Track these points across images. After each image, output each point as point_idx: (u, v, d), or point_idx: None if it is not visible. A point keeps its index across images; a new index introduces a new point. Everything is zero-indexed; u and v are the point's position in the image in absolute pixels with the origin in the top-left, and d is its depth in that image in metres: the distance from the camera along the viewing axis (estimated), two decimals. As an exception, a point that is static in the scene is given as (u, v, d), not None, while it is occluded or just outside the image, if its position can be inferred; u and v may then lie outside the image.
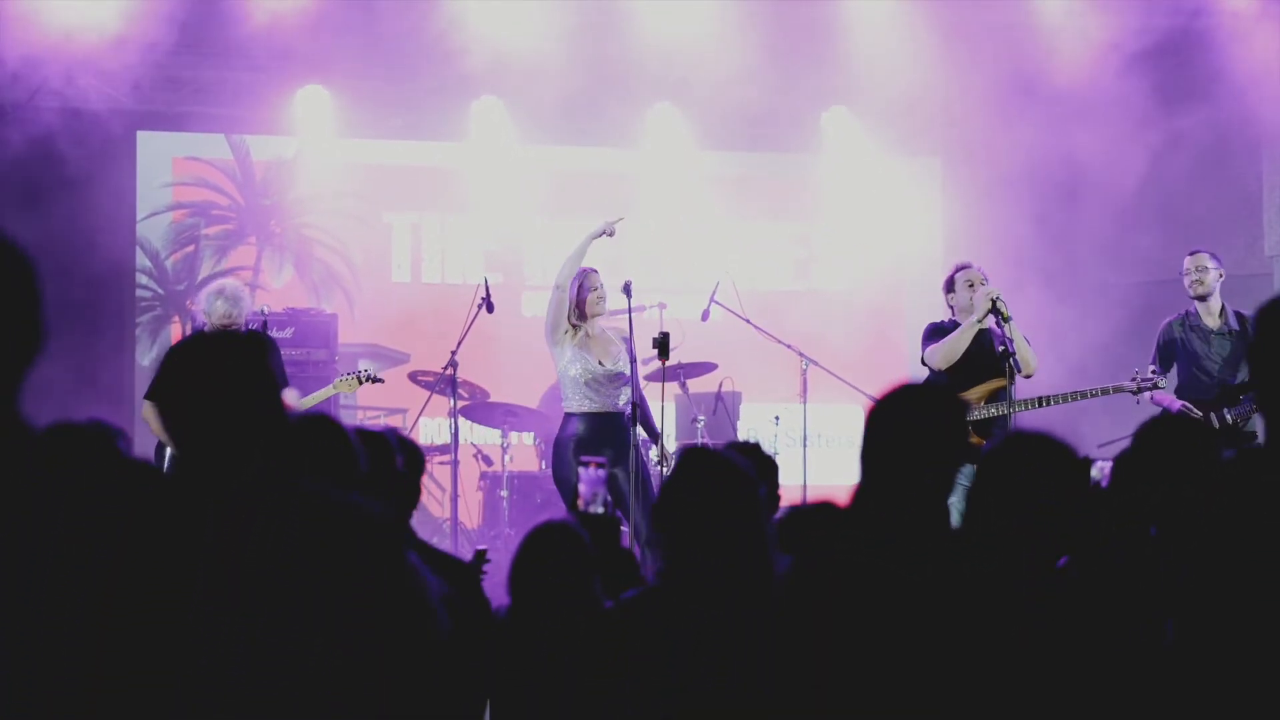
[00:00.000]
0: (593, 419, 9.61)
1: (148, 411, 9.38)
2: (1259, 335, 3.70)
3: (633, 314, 9.76)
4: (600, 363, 9.63)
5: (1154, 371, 9.81)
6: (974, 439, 9.37)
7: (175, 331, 13.40)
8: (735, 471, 4.29)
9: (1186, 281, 10.03)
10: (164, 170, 13.67)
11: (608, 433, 9.58)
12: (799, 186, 14.46)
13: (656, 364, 9.61)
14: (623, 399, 9.61)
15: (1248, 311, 9.87)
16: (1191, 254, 10.13)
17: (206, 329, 9.62)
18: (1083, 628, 3.56)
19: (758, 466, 4.98)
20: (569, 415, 9.71)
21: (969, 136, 13.73)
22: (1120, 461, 3.95)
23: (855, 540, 3.61)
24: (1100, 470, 4.24)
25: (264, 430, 3.22)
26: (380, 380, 10.64)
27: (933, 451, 3.63)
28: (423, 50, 12.75)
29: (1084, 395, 9.73)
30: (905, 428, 3.67)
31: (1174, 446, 3.96)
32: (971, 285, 9.65)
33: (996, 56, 13.16)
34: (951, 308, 9.80)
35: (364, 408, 13.17)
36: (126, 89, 13.27)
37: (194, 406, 3.20)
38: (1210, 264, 10.03)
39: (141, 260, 13.52)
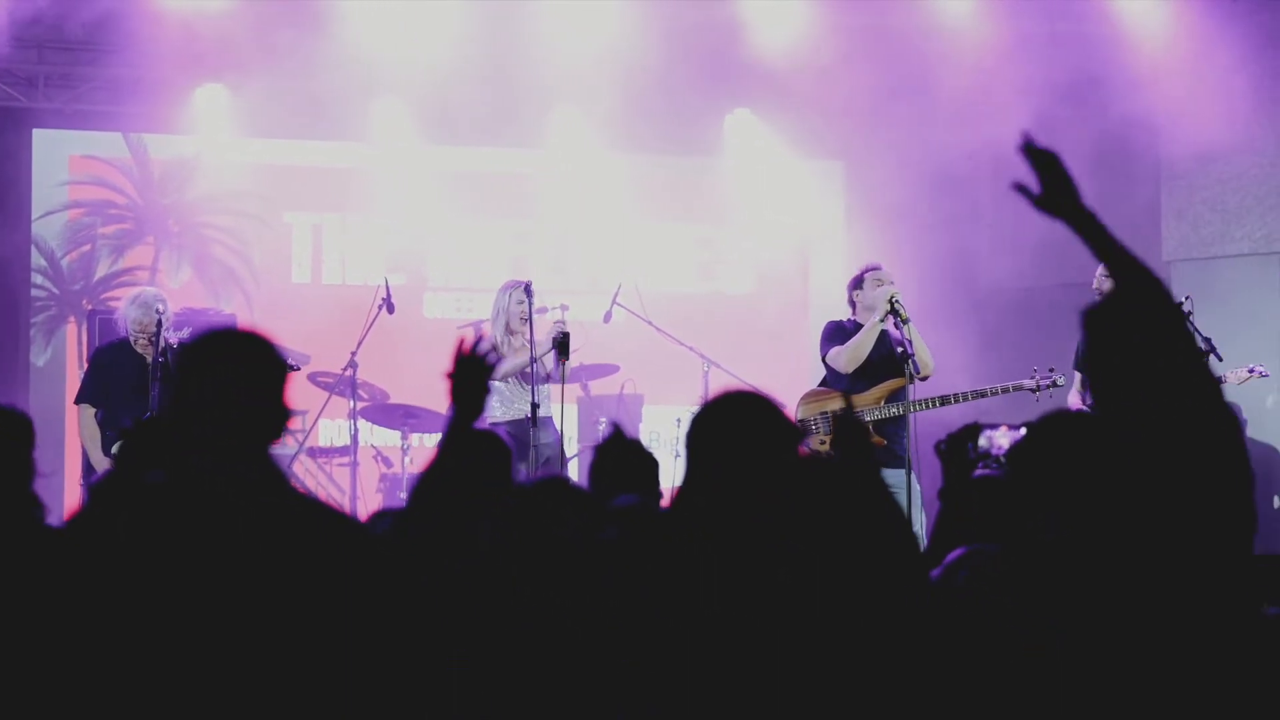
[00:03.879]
0: (518, 424, 10.14)
1: (85, 417, 10.00)
2: (1088, 339, 3.76)
3: (534, 315, 9.90)
4: (516, 374, 10.20)
5: (1051, 370, 9.83)
6: (875, 439, 9.41)
7: (71, 332, 13.22)
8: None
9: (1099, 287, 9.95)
10: (60, 169, 13.49)
11: (522, 437, 10.01)
12: (703, 189, 14.45)
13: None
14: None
15: None
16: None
17: (129, 337, 10.12)
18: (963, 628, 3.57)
19: (637, 465, 5.04)
20: (494, 425, 10.12)
21: (872, 140, 13.78)
22: (1014, 455, 3.96)
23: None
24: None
25: (266, 431, 3.18)
26: (297, 367, 10.58)
27: (750, 456, 3.64)
28: (323, 50, 12.64)
29: (984, 394, 9.77)
30: (724, 435, 3.68)
31: (1068, 441, 3.96)
32: (880, 285, 9.69)
33: (899, 60, 13.22)
34: (853, 305, 9.83)
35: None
36: (22, 86, 13.12)
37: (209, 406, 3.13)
38: (1103, 272, 10.01)
39: (37, 259, 13.33)
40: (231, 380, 3.16)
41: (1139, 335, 3.78)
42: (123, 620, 3.01)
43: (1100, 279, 9.84)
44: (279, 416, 3.22)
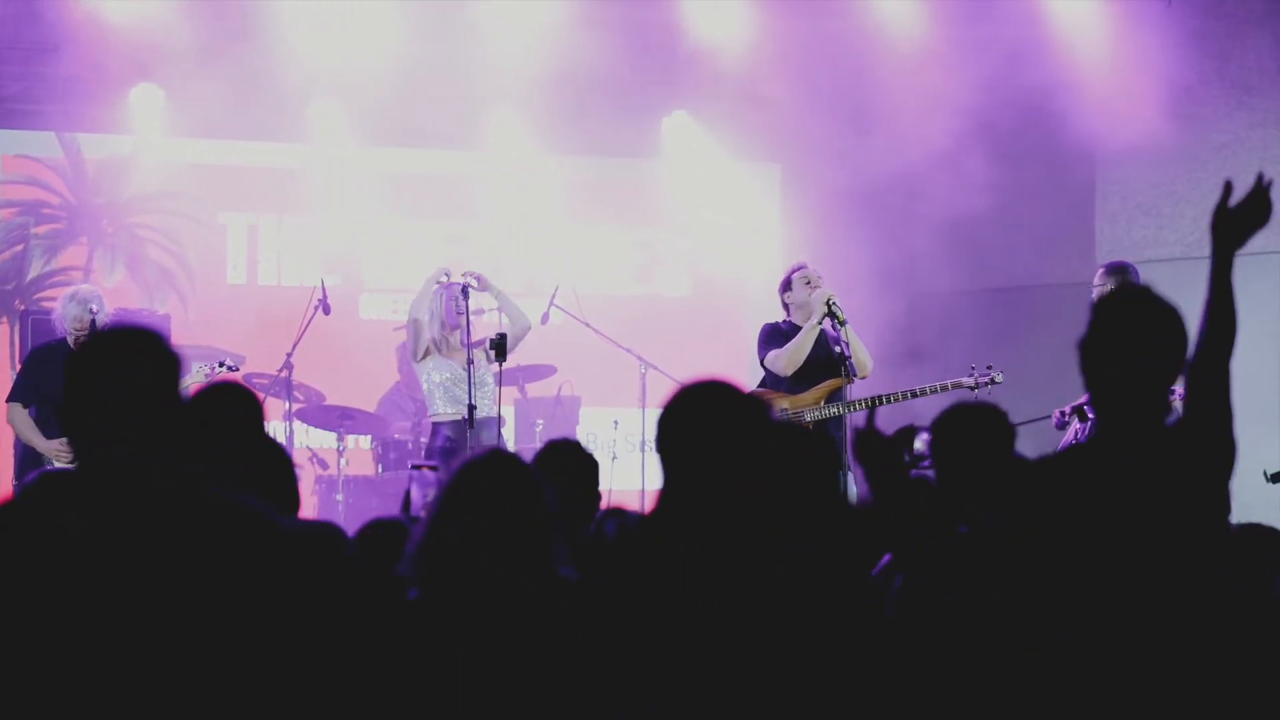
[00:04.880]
0: (459, 425, 10.07)
1: (15, 414, 9.99)
2: (1089, 329, 3.78)
3: (470, 317, 9.93)
4: (463, 368, 10.06)
5: (989, 369, 9.84)
6: (818, 439, 9.40)
7: (3, 332, 13.10)
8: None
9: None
10: (-8, 168, 13.39)
11: (460, 438, 10.01)
12: (640, 191, 14.44)
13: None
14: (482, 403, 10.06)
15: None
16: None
17: (68, 336, 10.00)
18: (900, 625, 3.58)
19: (577, 466, 4.98)
20: (436, 425, 10.29)
21: (810, 143, 13.80)
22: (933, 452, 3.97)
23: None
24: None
25: (167, 429, 3.15)
26: (235, 368, 10.55)
27: (730, 447, 3.61)
28: (260, 50, 12.58)
29: (922, 393, 9.78)
30: (699, 425, 3.65)
31: (971, 436, 3.98)
32: (809, 283, 9.70)
33: (836, 64, 13.25)
34: (787, 306, 9.84)
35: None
36: (-47, 85, 13.03)
37: (105, 405, 3.10)
38: (1097, 280, 9.54)
39: (-33, 259, 13.23)
40: (128, 378, 3.14)
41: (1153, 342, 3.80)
42: (29, 616, 2.99)
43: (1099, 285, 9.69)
44: (176, 412, 3.20)
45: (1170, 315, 3.87)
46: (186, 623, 3.00)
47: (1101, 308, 3.92)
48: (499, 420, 10.50)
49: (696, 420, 3.64)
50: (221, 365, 10.41)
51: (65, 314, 10.10)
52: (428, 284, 10.46)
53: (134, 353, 3.16)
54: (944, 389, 9.80)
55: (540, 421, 12.13)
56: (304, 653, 3.21)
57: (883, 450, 4.13)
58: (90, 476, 3.09)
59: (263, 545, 3.13)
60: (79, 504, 3.04)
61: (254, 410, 4.23)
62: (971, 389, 9.75)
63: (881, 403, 9.66)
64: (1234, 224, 3.89)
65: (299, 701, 3.19)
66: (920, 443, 4.28)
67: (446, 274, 10.46)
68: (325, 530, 4.00)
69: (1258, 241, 3.83)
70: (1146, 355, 3.81)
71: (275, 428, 12.86)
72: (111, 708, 2.95)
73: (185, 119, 13.16)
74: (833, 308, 9.39)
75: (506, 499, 3.92)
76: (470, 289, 10.28)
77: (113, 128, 13.19)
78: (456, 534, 3.88)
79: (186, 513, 3.08)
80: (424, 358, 10.36)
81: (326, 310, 10.97)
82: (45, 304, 12.15)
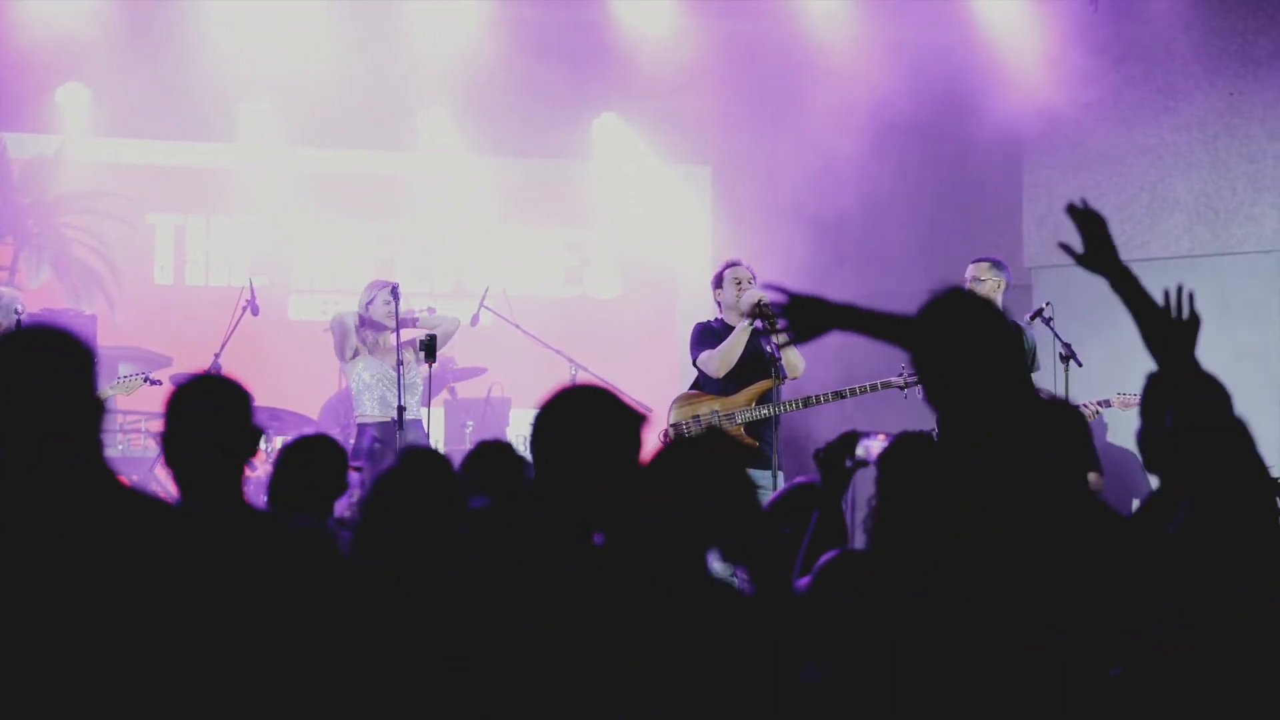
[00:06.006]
0: (386, 427, 10.11)
1: None
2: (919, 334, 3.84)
3: (400, 318, 9.93)
4: (392, 369, 10.11)
5: None
6: (747, 441, 9.42)
7: (-74, 333, 12.97)
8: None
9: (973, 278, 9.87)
10: (-84, 167, 13.25)
11: (388, 439, 10.04)
12: (571, 192, 14.44)
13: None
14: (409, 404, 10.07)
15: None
16: (973, 261, 10.06)
17: None
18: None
19: (509, 466, 5.00)
20: (363, 426, 10.29)
21: (740, 146, 13.84)
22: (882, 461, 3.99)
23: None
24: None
25: (89, 425, 3.13)
26: (158, 382, 10.49)
27: (597, 452, 3.68)
28: (189, 50, 12.52)
29: (852, 393, 9.80)
30: (569, 432, 3.73)
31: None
32: (739, 283, 9.69)
33: (767, 66, 13.29)
34: (719, 304, 9.84)
35: (124, 412, 12.87)
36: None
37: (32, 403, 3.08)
38: (986, 274, 9.84)
39: (-110, 259, 13.10)
40: (67, 377, 3.13)
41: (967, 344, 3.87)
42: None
43: (969, 281, 9.83)
44: (96, 410, 3.19)
45: (989, 314, 3.97)
46: (168, 624, 2.99)
47: (923, 319, 4.02)
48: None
49: (565, 426, 3.73)
50: (145, 380, 10.42)
51: None
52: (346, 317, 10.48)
53: (62, 351, 3.15)
54: (873, 388, 9.83)
55: (470, 423, 12.11)
56: (254, 651, 3.20)
57: (828, 457, 4.18)
58: (43, 476, 3.07)
59: (224, 544, 3.14)
60: (45, 505, 3.02)
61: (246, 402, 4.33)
62: (901, 388, 9.78)
63: (812, 403, 9.69)
64: (1096, 254, 4.29)
65: (247, 699, 3.19)
66: (862, 449, 4.31)
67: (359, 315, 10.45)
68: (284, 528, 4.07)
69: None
70: (977, 359, 3.89)
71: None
72: (71, 708, 2.95)
73: (112, 118, 13.09)
74: (763, 310, 9.39)
75: (433, 495, 4.02)
76: (399, 290, 10.26)
77: (39, 127, 13.10)
78: (381, 532, 3.98)
79: (145, 514, 3.07)
80: (353, 357, 10.34)
81: (255, 311, 10.92)
82: (-31, 305, 12.02)
